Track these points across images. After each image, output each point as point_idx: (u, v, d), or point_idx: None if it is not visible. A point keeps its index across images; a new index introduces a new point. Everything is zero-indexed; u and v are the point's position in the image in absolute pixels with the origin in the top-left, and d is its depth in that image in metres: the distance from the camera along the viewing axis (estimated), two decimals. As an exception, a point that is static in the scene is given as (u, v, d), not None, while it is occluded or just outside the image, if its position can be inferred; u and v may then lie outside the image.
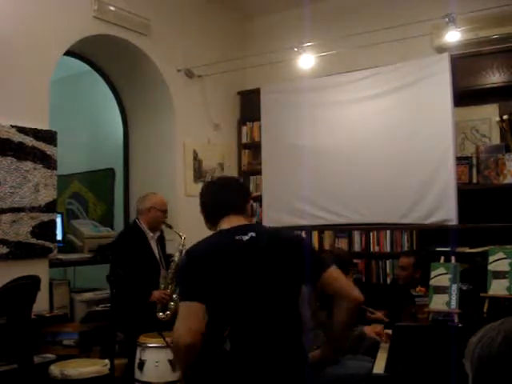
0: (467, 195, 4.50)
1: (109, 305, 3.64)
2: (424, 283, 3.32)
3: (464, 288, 2.81)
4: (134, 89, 5.13)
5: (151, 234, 4.05)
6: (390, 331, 3.08)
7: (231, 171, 5.51)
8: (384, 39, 4.46)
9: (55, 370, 3.20)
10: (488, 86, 4.57)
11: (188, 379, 2.07)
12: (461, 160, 4.59)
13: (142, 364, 3.32)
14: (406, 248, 4.74)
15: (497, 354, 1.05)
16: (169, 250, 4.23)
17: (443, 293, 2.74)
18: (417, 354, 2.45)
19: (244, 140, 5.72)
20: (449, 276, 2.77)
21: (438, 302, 2.74)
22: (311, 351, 2.43)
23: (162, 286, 3.93)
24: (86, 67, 5.07)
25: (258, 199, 5.43)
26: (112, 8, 4.41)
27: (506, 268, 2.71)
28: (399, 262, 4.16)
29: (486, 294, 2.70)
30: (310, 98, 5.19)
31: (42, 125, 3.94)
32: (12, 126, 3.73)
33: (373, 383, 2.58)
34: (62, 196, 5.72)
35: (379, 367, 2.54)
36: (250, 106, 5.62)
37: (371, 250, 4.97)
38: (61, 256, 4.26)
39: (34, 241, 3.82)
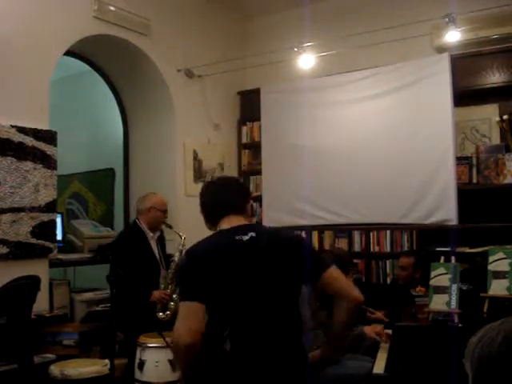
0: (467, 195, 4.50)
1: (109, 305, 3.64)
2: (424, 283, 3.32)
3: (464, 288, 2.81)
4: (133, 89, 5.13)
5: (151, 234, 4.05)
6: (389, 331, 3.08)
7: (231, 171, 5.51)
8: (384, 39, 4.46)
9: (55, 369, 3.20)
10: (488, 85, 4.57)
11: (188, 379, 2.07)
12: (461, 160, 4.59)
13: (141, 364, 3.32)
14: (406, 248, 4.74)
15: (497, 354, 1.05)
16: (169, 250, 4.23)
17: (443, 293, 2.74)
18: (417, 354, 2.45)
19: (244, 140, 5.72)
20: (449, 276, 2.77)
21: (438, 302, 2.74)
22: (311, 351, 2.43)
23: (162, 285, 3.93)
24: (86, 67, 5.06)
25: (258, 199, 5.43)
26: (112, 8, 4.41)
27: (506, 268, 2.71)
28: (399, 261, 4.16)
29: (486, 294, 2.70)
30: (310, 98, 5.19)
31: (42, 125, 3.94)
32: (12, 126, 3.73)
33: (373, 383, 2.58)
34: (62, 196, 5.72)
35: (379, 367, 2.54)
36: (250, 106, 5.62)
37: (371, 249, 4.97)
38: (61, 256, 4.26)
39: (34, 241, 3.82)
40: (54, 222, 3.99)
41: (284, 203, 5.26)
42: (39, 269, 3.73)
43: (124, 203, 5.31)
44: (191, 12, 5.23)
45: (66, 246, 4.76)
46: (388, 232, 4.88)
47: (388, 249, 4.88)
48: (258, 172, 5.51)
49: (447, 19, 4.04)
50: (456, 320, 2.67)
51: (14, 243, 3.69)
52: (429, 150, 4.59)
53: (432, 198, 4.58)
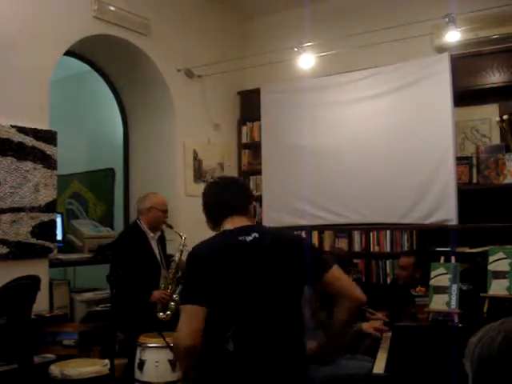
0: (467, 195, 4.50)
1: (109, 305, 3.64)
2: (424, 283, 3.32)
3: (464, 288, 2.80)
4: (133, 89, 5.14)
5: (152, 234, 4.05)
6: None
7: (231, 171, 5.51)
8: (384, 39, 4.46)
9: (55, 370, 3.20)
10: (488, 85, 4.57)
11: (189, 380, 2.07)
12: (461, 160, 4.59)
13: (141, 364, 3.32)
14: (406, 248, 4.75)
15: (497, 354, 1.05)
16: (169, 250, 4.23)
17: (443, 293, 2.74)
18: (417, 354, 2.45)
19: (244, 140, 5.72)
20: (449, 276, 2.76)
21: (438, 302, 2.74)
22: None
23: (162, 285, 3.93)
24: (86, 67, 5.06)
25: (258, 199, 5.43)
26: (112, 8, 4.41)
27: (506, 268, 2.70)
28: (399, 261, 4.16)
29: (486, 294, 2.70)
30: (310, 98, 5.19)
31: (42, 125, 3.94)
32: (12, 126, 3.73)
33: (373, 383, 2.58)
34: (62, 196, 5.72)
35: (379, 367, 2.54)
36: (250, 106, 5.62)
37: (371, 250, 4.97)
38: (61, 256, 4.26)
39: (34, 241, 3.82)
40: (54, 222, 3.99)
41: (284, 203, 5.26)
42: (39, 269, 3.72)
43: (124, 203, 5.31)
44: (191, 12, 5.23)
45: (66, 246, 4.76)
46: (388, 232, 4.88)
47: (388, 249, 4.88)
48: (258, 172, 5.51)
49: (447, 19, 4.04)
50: (456, 320, 2.67)
51: (14, 243, 3.69)
52: (429, 150, 4.59)
53: (432, 198, 4.58)
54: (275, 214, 5.28)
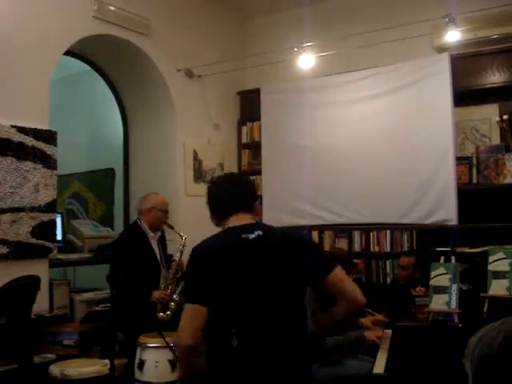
0: (467, 195, 4.50)
1: (109, 305, 3.64)
2: (424, 283, 3.32)
3: (464, 288, 2.80)
4: (133, 89, 5.14)
5: (152, 234, 4.04)
6: (389, 331, 3.08)
7: (231, 171, 5.50)
8: (384, 39, 4.46)
9: (55, 370, 3.20)
10: (488, 85, 4.57)
11: (190, 379, 2.07)
12: (461, 160, 4.59)
13: (141, 364, 3.32)
14: (406, 248, 4.75)
15: (497, 354, 1.05)
16: (169, 250, 4.23)
17: (443, 293, 2.74)
18: (417, 354, 2.45)
19: (244, 140, 5.72)
20: (449, 276, 2.76)
21: (438, 302, 2.74)
22: None
23: (162, 286, 3.92)
24: (86, 67, 5.06)
25: (258, 199, 5.43)
26: (112, 8, 4.41)
27: (506, 268, 2.70)
28: (400, 261, 4.16)
29: (486, 294, 2.70)
30: (310, 98, 5.19)
31: (42, 125, 3.94)
32: (12, 126, 3.73)
33: (373, 383, 2.58)
34: (62, 196, 5.72)
35: (379, 367, 2.54)
36: (250, 106, 5.62)
37: (371, 250, 4.97)
38: (61, 256, 4.26)
39: (34, 241, 3.82)
40: (53, 222, 3.99)
41: (284, 203, 5.26)
42: (39, 269, 3.72)
43: (124, 203, 5.31)
44: (191, 12, 5.22)
45: (66, 246, 4.76)
46: (388, 232, 4.89)
47: (388, 249, 4.88)
48: (258, 172, 5.51)
49: (447, 19, 4.04)
50: (456, 320, 2.67)
51: (14, 243, 3.69)
52: (429, 150, 4.59)
53: (432, 198, 4.58)
54: (275, 214, 5.28)
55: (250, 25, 5.83)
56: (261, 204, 5.44)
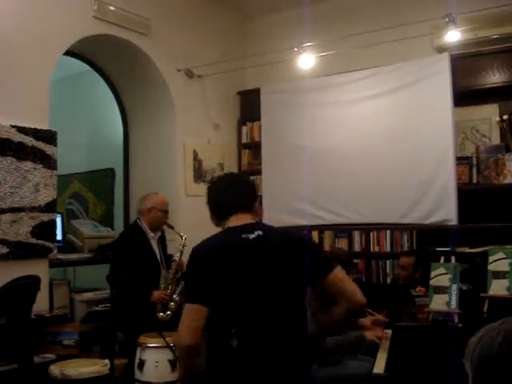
0: (467, 195, 4.50)
1: (109, 305, 3.64)
2: (424, 283, 3.32)
3: (464, 288, 2.80)
4: (133, 89, 5.14)
5: (152, 234, 4.04)
6: (389, 331, 3.09)
7: (231, 171, 5.50)
8: (384, 39, 4.47)
9: (55, 370, 3.20)
10: (488, 85, 4.57)
11: (190, 379, 2.08)
12: (461, 160, 4.59)
13: (141, 364, 3.32)
14: (406, 248, 4.75)
15: (497, 354, 1.05)
16: (169, 250, 4.23)
17: (443, 293, 2.74)
18: (417, 354, 2.45)
19: (244, 140, 5.72)
20: (449, 276, 2.77)
21: (438, 302, 2.74)
22: None
23: (162, 286, 3.92)
24: (86, 67, 5.06)
25: (258, 199, 5.43)
26: (112, 8, 4.41)
27: (506, 268, 2.71)
28: (400, 261, 4.16)
29: (486, 294, 2.70)
30: (310, 98, 5.19)
31: (42, 125, 3.94)
32: (12, 126, 3.73)
33: (373, 383, 2.58)
34: (61, 196, 5.72)
35: (379, 367, 2.54)
36: (250, 106, 5.62)
37: (371, 250, 4.97)
38: (61, 256, 4.26)
39: (34, 241, 3.82)
40: (53, 222, 3.99)
41: (284, 203, 5.26)
42: (39, 269, 3.72)
43: (124, 203, 5.31)
44: (191, 12, 5.22)
45: (66, 246, 4.76)
46: (388, 232, 4.89)
47: (388, 249, 4.88)
48: (258, 172, 5.51)
49: (447, 19, 4.04)
50: (456, 320, 2.67)
51: (14, 243, 3.69)
52: (429, 150, 4.59)
53: (432, 198, 4.58)
54: (275, 214, 5.27)
55: (249, 25, 5.83)
56: (261, 204, 5.44)
